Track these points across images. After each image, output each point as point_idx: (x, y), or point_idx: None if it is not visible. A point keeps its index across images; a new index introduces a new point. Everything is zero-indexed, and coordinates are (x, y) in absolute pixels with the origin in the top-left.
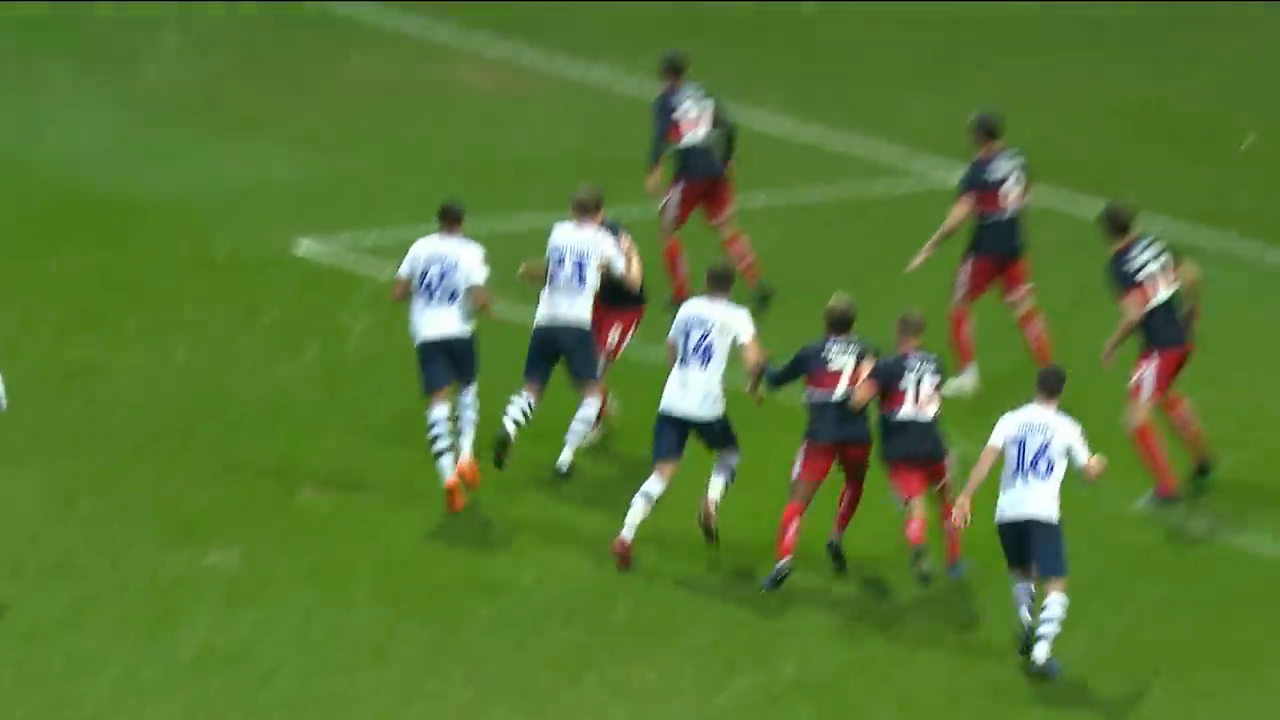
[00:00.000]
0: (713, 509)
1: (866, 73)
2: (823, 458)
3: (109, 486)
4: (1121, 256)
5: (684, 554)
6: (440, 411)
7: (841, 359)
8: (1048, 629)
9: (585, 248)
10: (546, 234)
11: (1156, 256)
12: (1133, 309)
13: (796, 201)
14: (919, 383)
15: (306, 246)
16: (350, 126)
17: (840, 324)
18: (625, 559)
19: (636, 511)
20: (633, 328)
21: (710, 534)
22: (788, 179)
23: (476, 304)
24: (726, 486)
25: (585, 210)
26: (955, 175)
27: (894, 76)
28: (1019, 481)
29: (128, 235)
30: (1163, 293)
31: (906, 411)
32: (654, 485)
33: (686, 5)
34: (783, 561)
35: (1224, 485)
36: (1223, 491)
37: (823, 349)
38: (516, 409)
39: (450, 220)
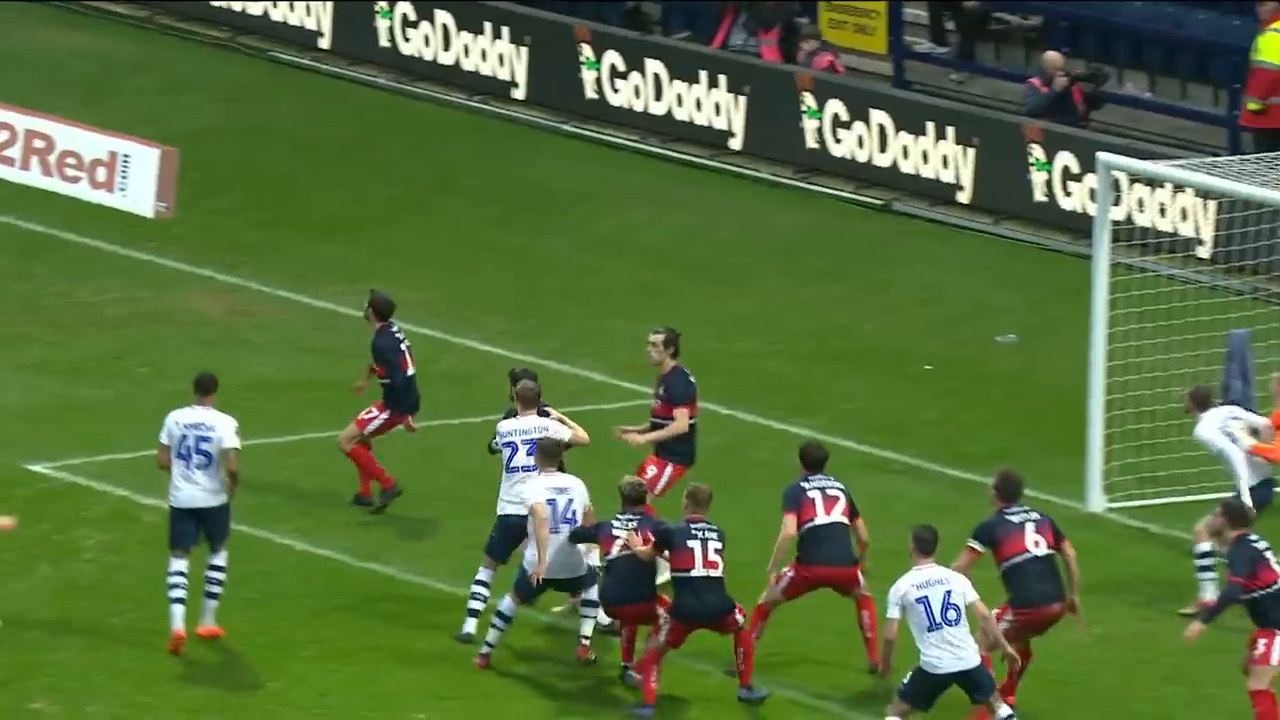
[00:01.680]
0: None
1: (576, 297)
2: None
3: None
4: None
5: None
6: (180, 565)
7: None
8: None
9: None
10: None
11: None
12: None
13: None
14: (705, 545)
15: (39, 469)
16: (82, 350)
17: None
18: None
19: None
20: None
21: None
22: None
23: (230, 470)
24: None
25: (528, 402)
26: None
27: (603, 300)
28: (942, 636)
29: None
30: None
31: (696, 570)
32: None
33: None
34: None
35: None
36: None
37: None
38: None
39: (204, 390)
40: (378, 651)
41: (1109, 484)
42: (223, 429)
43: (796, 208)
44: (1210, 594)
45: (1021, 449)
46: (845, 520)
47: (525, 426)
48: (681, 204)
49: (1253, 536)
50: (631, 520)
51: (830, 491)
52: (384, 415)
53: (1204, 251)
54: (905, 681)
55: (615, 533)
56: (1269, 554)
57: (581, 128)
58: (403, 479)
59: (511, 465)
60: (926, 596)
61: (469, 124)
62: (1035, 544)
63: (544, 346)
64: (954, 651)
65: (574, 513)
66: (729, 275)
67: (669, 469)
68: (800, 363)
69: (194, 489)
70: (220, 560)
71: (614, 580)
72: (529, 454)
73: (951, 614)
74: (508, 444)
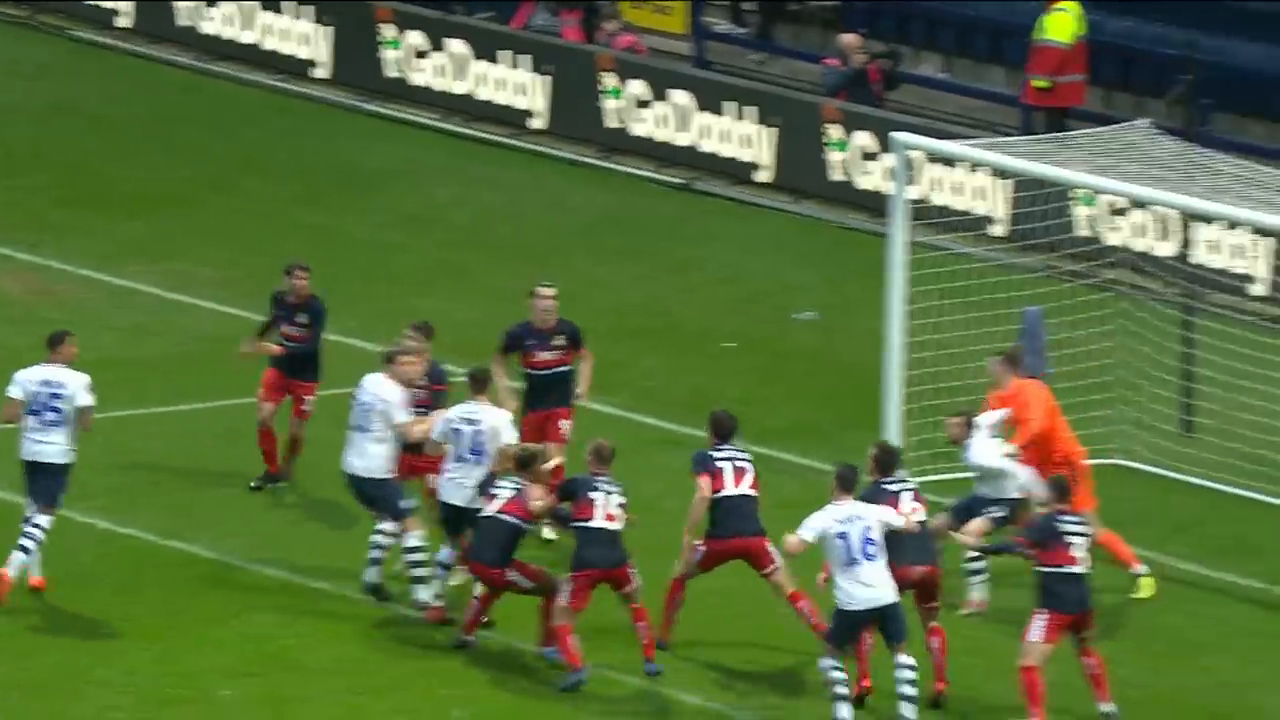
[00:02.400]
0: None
1: (379, 276)
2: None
3: None
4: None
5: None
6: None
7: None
8: (914, 689)
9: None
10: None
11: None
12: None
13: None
14: (607, 498)
15: None
16: None
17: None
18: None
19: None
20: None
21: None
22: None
23: (85, 426)
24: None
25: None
26: None
27: (408, 278)
28: (859, 572)
29: None
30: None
31: (596, 521)
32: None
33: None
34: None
35: None
36: None
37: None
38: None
39: (53, 346)
40: (183, 629)
41: (906, 459)
42: (75, 385)
43: (598, 187)
44: (979, 595)
45: (821, 425)
46: (755, 493)
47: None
48: (484, 183)
49: (1067, 516)
50: (516, 484)
51: (739, 463)
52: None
53: (998, 230)
54: (829, 626)
55: (494, 492)
56: (1074, 539)
57: (384, 107)
58: (206, 458)
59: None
60: (846, 532)
61: (271, 103)
62: (913, 511)
63: (344, 325)
64: (869, 589)
65: (483, 444)
66: (531, 254)
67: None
68: (601, 340)
69: (39, 445)
70: (43, 521)
71: (480, 539)
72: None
73: (871, 549)
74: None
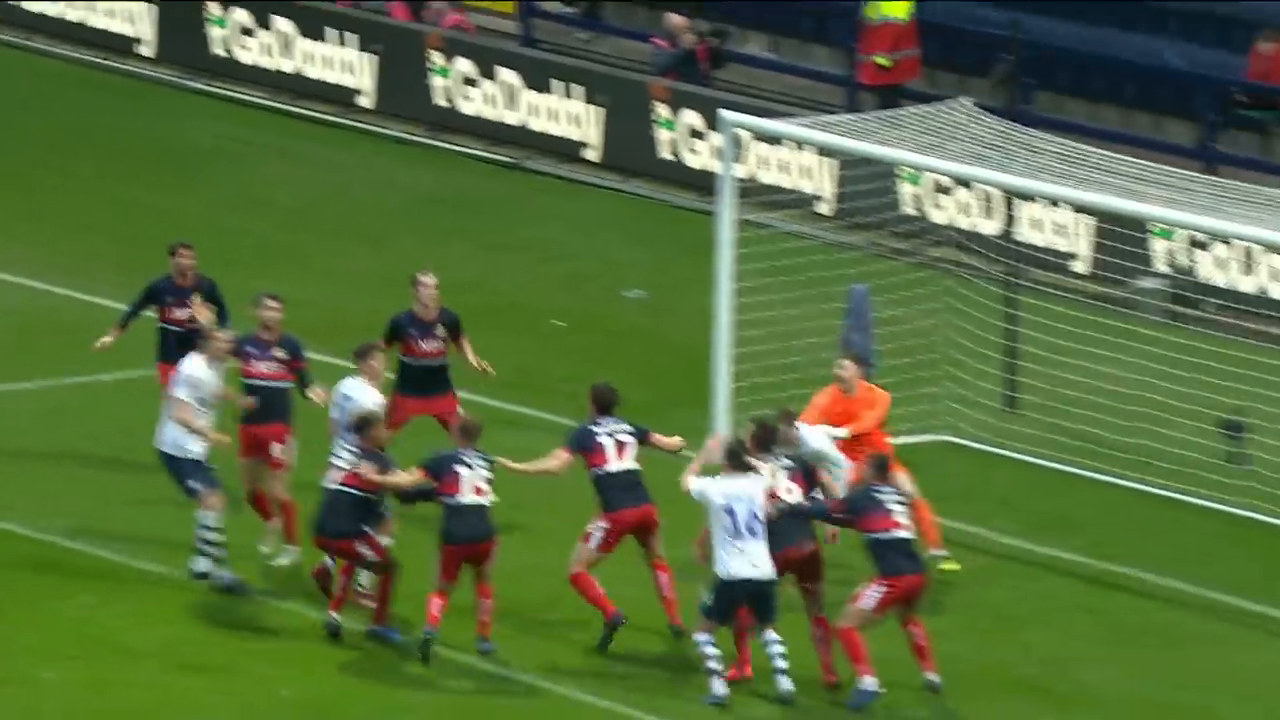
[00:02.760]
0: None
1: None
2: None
3: None
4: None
5: None
6: None
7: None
8: (786, 662)
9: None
10: None
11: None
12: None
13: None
14: (473, 472)
15: None
16: None
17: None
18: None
19: None
20: None
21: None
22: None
23: None
24: None
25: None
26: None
27: (239, 260)
28: (743, 545)
29: None
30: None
31: (463, 497)
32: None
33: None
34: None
35: None
36: None
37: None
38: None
39: None
40: (3, 612)
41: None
42: None
43: (427, 166)
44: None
45: (651, 403)
46: (638, 466)
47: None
48: (312, 162)
49: (883, 489)
50: (357, 454)
51: (620, 437)
52: None
53: (825, 208)
54: (708, 599)
55: (333, 461)
56: (893, 505)
57: (210, 85)
58: (28, 438)
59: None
60: (734, 508)
61: (95, 81)
62: (788, 491)
63: None
64: (752, 564)
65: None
66: (361, 234)
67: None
68: None
69: None
70: None
71: (322, 512)
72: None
73: (755, 525)
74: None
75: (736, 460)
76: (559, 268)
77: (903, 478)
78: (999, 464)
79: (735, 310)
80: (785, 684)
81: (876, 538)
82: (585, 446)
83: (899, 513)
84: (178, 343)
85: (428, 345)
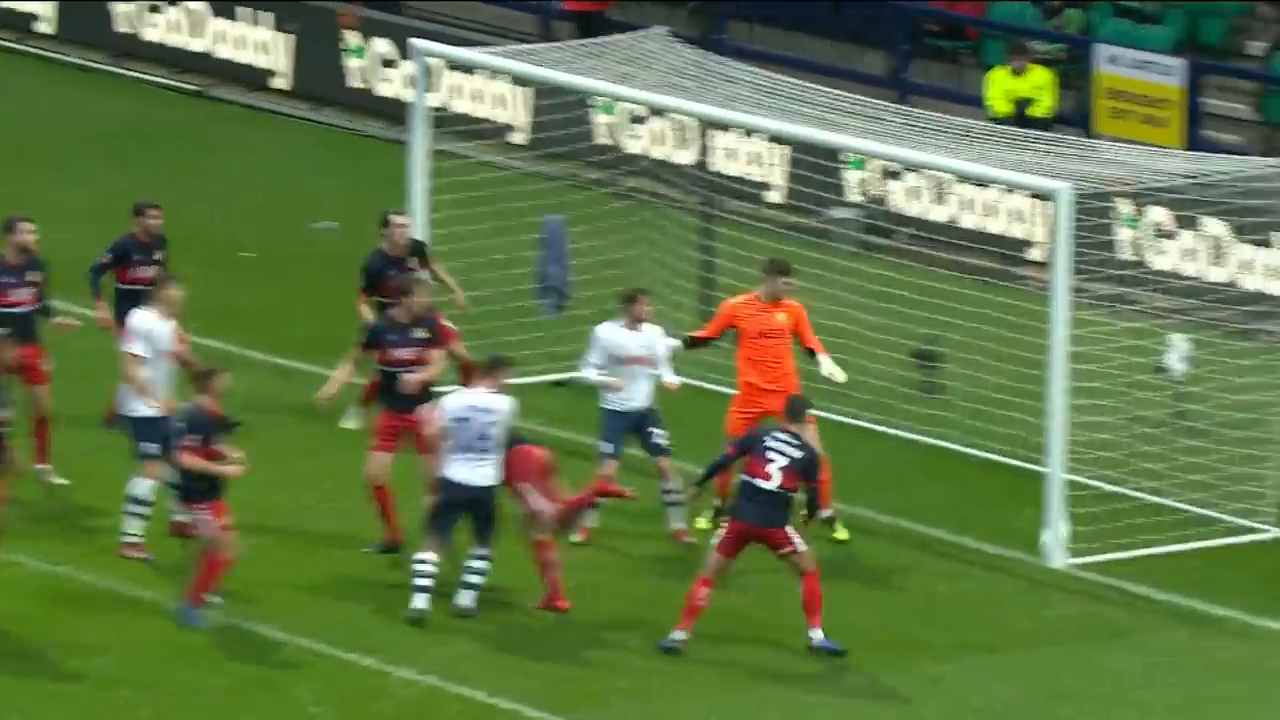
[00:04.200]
0: None
1: None
2: None
3: None
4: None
5: None
6: None
7: None
8: (479, 579)
9: None
10: None
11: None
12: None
13: None
14: None
15: None
16: None
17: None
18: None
19: None
20: None
21: None
22: None
23: None
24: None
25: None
26: None
27: None
28: (470, 457)
29: None
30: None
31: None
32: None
33: None
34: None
35: None
36: None
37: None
38: None
39: None
40: None
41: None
42: None
43: (111, 94)
44: (676, 522)
45: (343, 336)
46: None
47: None
48: None
49: (781, 435)
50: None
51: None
52: None
53: (519, 138)
54: (430, 511)
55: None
56: (773, 455)
57: None
58: None
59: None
60: (470, 419)
61: None
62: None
63: None
64: (474, 470)
65: None
66: (46, 163)
67: None
68: None
69: None
70: None
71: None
72: None
73: (487, 442)
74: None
75: (490, 372)
76: (248, 198)
77: (811, 429)
78: (697, 396)
79: (431, 241)
80: (465, 599)
81: (741, 479)
82: None
83: (775, 463)
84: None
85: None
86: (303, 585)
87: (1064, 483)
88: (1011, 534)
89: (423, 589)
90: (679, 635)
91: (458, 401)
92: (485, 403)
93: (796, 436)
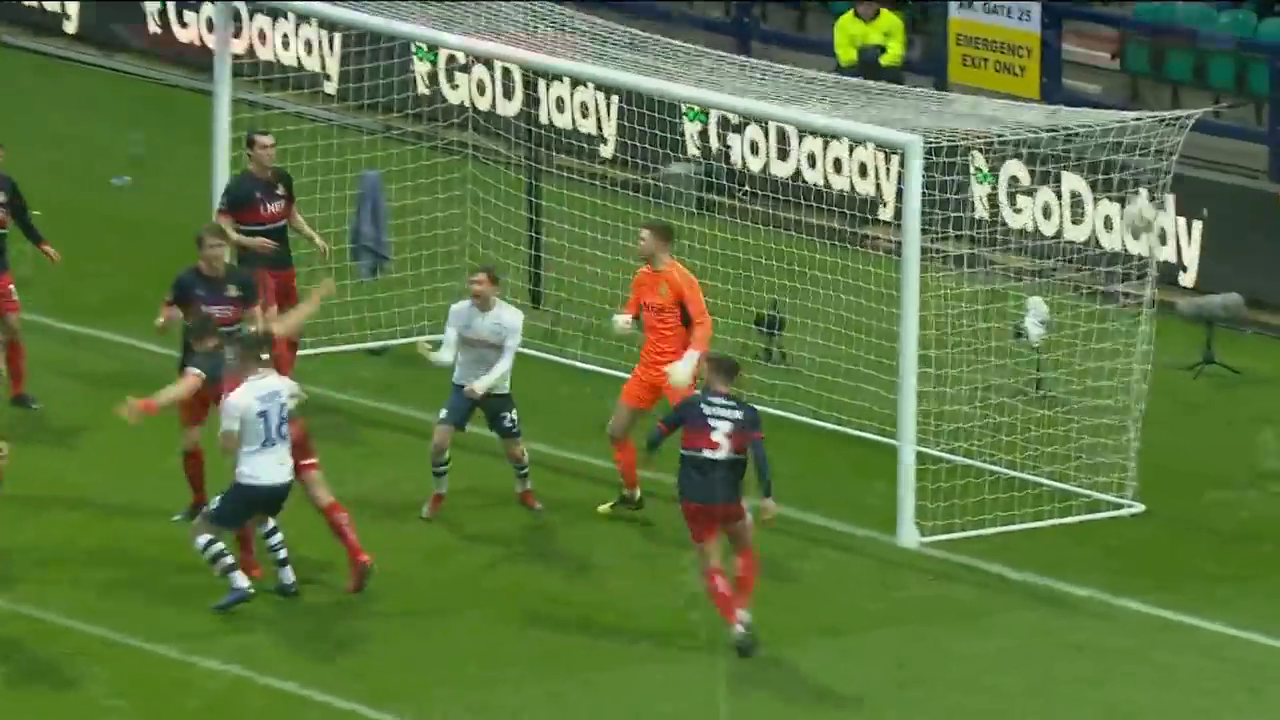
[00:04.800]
0: None
1: None
2: None
3: None
4: None
5: None
6: None
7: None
8: (287, 551)
9: None
10: None
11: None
12: None
13: None
14: None
15: None
16: None
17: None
18: None
19: None
20: None
21: None
22: None
23: None
24: None
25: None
26: None
27: None
28: (273, 451)
29: None
30: None
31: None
32: None
33: None
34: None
35: None
36: None
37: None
38: None
39: None
40: None
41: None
42: None
43: None
44: (524, 486)
45: (143, 296)
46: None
47: None
48: None
49: (716, 398)
50: None
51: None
52: None
53: (330, 88)
54: (216, 504)
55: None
56: (716, 424)
57: None
58: None
59: None
60: (268, 410)
61: None
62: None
63: None
64: (280, 470)
65: None
66: None
67: None
68: None
69: None
70: None
71: None
72: None
73: (286, 429)
74: None
75: (259, 360)
76: (40, 153)
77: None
78: (527, 365)
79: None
80: (288, 575)
81: (683, 453)
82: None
83: (719, 430)
84: None
85: (274, 206)
86: (91, 566)
87: (914, 456)
88: (862, 510)
89: (234, 566)
90: (739, 629)
91: (247, 397)
92: (273, 387)
93: (730, 397)
